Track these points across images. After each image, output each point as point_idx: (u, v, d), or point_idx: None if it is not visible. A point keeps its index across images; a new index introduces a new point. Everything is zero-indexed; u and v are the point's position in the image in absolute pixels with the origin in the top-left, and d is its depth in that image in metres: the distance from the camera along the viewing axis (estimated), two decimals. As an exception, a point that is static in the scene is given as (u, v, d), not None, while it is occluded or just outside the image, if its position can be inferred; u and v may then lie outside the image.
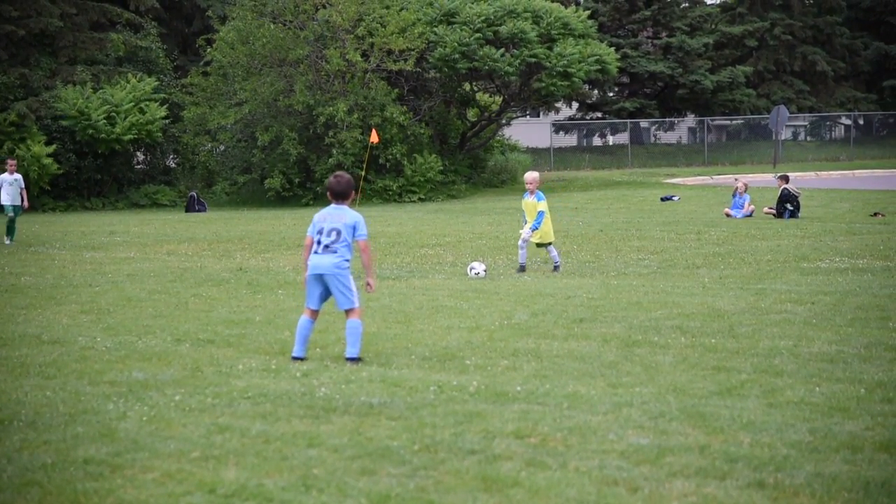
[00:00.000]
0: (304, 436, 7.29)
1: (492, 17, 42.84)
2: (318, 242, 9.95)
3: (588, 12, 46.89)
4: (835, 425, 7.34)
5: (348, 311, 9.94)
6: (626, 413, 7.78)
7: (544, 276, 17.14)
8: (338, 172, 10.35)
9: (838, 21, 66.43)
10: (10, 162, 25.82)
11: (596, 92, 63.32)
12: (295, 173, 41.20)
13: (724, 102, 62.98)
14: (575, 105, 64.64)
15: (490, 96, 47.80)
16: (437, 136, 45.01)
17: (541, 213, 17.38)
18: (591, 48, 43.90)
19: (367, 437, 7.25)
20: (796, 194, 27.65)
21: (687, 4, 66.08)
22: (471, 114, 48.09)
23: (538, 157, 56.54)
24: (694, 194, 37.84)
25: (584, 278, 16.60)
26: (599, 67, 44.06)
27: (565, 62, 42.89)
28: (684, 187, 42.65)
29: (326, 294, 10.06)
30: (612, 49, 46.43)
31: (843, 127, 69.34)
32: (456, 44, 41.99)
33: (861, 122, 67.82)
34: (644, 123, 65.27)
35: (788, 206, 27.35)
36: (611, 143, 65.29)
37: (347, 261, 9.98)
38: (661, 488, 6.15)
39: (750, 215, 27.83)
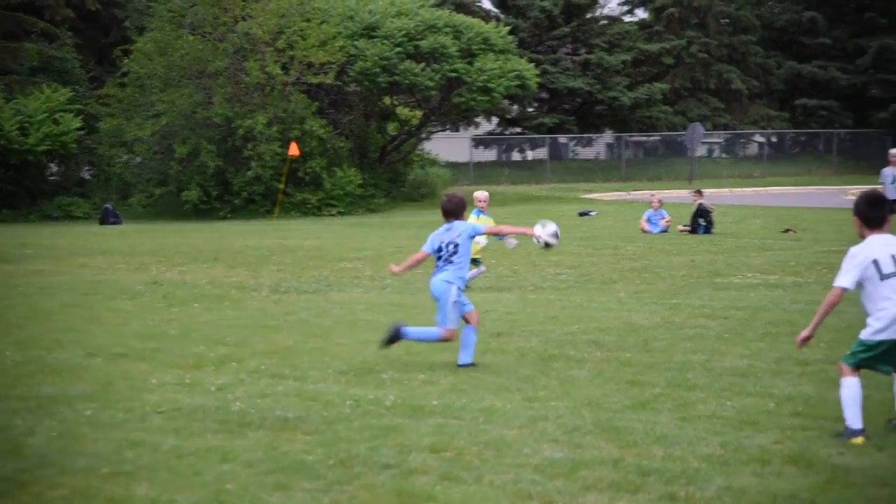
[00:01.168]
0: (218, 451, 7.22)
1: (413, 32, 42.94)
2: (440, 259, 10.67)
3: (508, 28, 47.21)
4: (745, 439, 7.44)
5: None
6: (542, 427, 7.82)
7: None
8: (449, 191, 10.94)
9: (752, 40, 67.61)
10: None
11: (515, 107, 63.73)
12: (213, 186, 40.86)
13: (642, 119, 63.75)
14: (495, 120, 64.99)
15: (410, 110, 47.88)
16: (356, 150, 44.96)
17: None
18: (511, 64, 44.19)
19: (281, 452, 7.20)
20: (709, 210, 28.05)
21: (606, 22, 66.82)
22: (391, 128, 48.12)
23: (458, 171, 56.72)
24: (611, 210, 38.22)
25: (501, 292, 16.67)
26: (519, 83, 44.38)
27: (485, 77, 43.12)
28: (602, 202, 43.05)
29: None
30: (532, 65, 46.79)
31: (756, 144, 70.50)
32: (376, 58, 42.01)
33: (774, 139, 69.05)
34: (563, 139, 65.82)
35: (702, 220, 27.72)
36: (530, 158, 65.72)
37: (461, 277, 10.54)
38: (574, 502, 6.18)
39: (665, 231, 28.17)
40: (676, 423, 7.89)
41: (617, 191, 52.14)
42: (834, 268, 18.76)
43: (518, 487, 6.42)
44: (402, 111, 47.73)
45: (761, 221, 31.49)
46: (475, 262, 17.87)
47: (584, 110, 64.18)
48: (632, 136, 64.96)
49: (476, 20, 46.17)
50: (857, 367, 7.55)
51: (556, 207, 39.82)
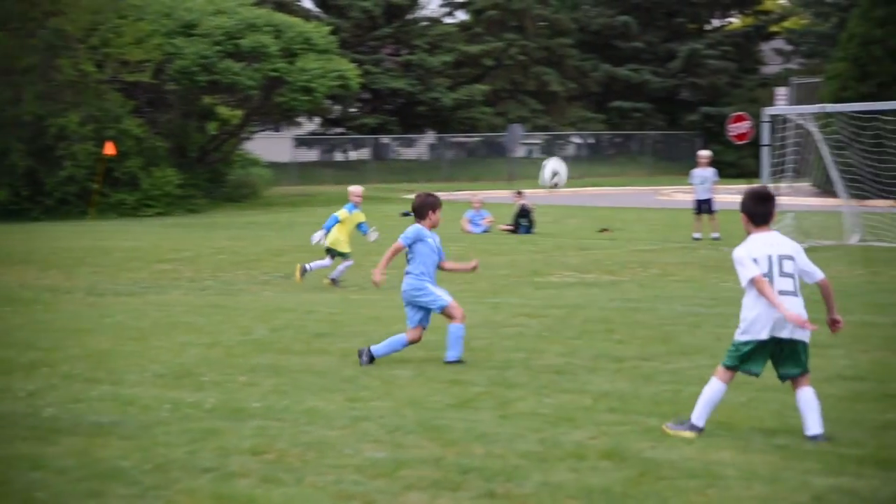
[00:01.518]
0: (28, 458, 6.98)
1: (232, 31, 42.38)
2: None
3: (330, 28, 47.04)
4: (562, 435, 7.58)
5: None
6: (364, 427, 7.82)
7: (284, 292, 17.05)
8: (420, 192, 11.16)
9: (569, 43, 69.01)
10: None
11: (338, 107, 63.58)
12: (23, 186, 39.50)
13: (463, 120, 64.42)
14: (317, 120, 64.70)
15: (231, 110, 47.26)
16: (175, 150, 44.11)
17: (334, 218, 17.80)
18: (333, 64, 44.05)
19: (95, 458, 7.01)
20: (530, 210, 28.52)
21: (427, 23, 67.27)
22: (211, 127, 47.40)
23: (280, 171, 56.26)
24: (433, 210, 38.39)
25: (324, 293, 16.61)
26: (341, 83, 44.27)
27: (307, 77, 42.88)
28: (424, 203, 43.15)
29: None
30: (354, 65, 46.73)
31: (574, 145, 72.04)
32: (195, 56, 41.31)
33: (591, 141, 70.65)
34: (385, 139, 65.97)
35: (524, 220, 28.17)
36: (353, 159, 65.68)
37: (419, 274, 10.70)
38: (395, 501, 6.20)
39: (487, 230, 28.51)
40: (497, 421, 7.99)
41: (439, 191, 52.37)
42: (648, 265, 19.28)
43: (339, 488, 6.40)
44: (223, 111, 47.06)
45: (579, 221, 32.19)
46: (343, 255, 17.88)
47: (406, 111, 64.48)
48: (453, 136, 65.58)
49: (297, 20, 45.85)
50: (731, 369, 7.58)
51: (379, 208, 39.86)
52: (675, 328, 12.03)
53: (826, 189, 31.22)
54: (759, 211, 7.52)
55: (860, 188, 27.18)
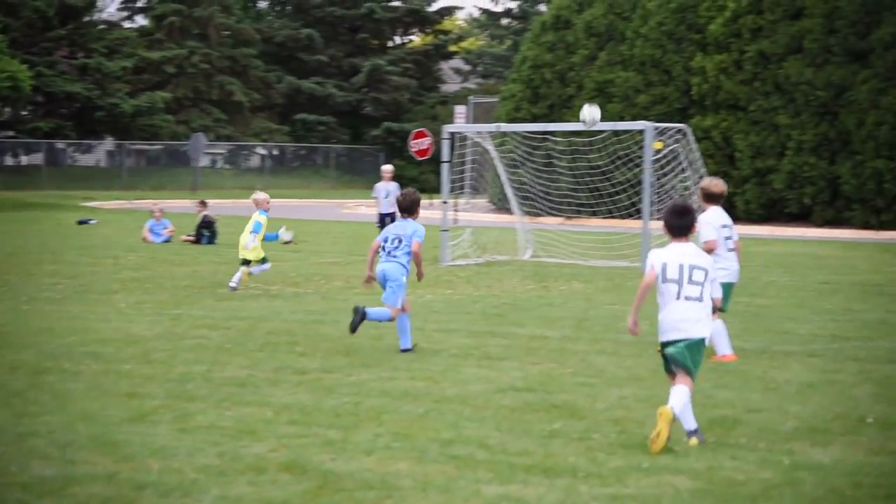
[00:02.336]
0: None
1: None
2: (384, 249, 11.79)
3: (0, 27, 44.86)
4: (242, 448, 7.52)
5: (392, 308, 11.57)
6: (32, 443, 7.48)
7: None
8: (406, 190, 12.23)
9: (253, 54, 68.64)
10: None
11: (8, 109, 60.62)
12: None
13: (144, 127, 62.82)
14: (-14, 122, 61.51)
15: None
16: None
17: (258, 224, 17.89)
18: (3, 64, 42.03)
19: None
20: (213, 220, 28.14)
21: (104, 27, 65.24)
22: None
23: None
24: (113, 218, 37.32)
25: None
26: (11, 84, 42.29)
27: (-25, 76, 40.73)
28: (102, 211, 41.93)
29: None
30: (25, 66, 44.74)
31: (259, 156, 71.69)
32: None
33: (276, 152, 70.51)
34: (60, 144, 63.45)
35: (206, 231, 27.76)
36: (24, 164, 62.75)
37: (406, 264, 11.74)
38: (66, 521, 5.96)
39: (169, 240, 27.92)
40: (175, 435, 7.83)
41: (118, 199, 51.02)
42: (332, 278, 19.40)
43: (5, 510, 6.10)
44: None
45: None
46: (260, 261, 17.80)
47: (83, 116, 62.21)
48: (134, 144, 63.85)
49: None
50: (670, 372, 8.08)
51: (53, 215, 38.30)
52: (358, 341, 12.17)
53: (501, 206, 32.48)
54: (677, 223, 8.12)
55: (532, 205, 28.41)
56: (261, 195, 18.59)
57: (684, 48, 40.64)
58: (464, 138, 25.30)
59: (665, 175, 23.71)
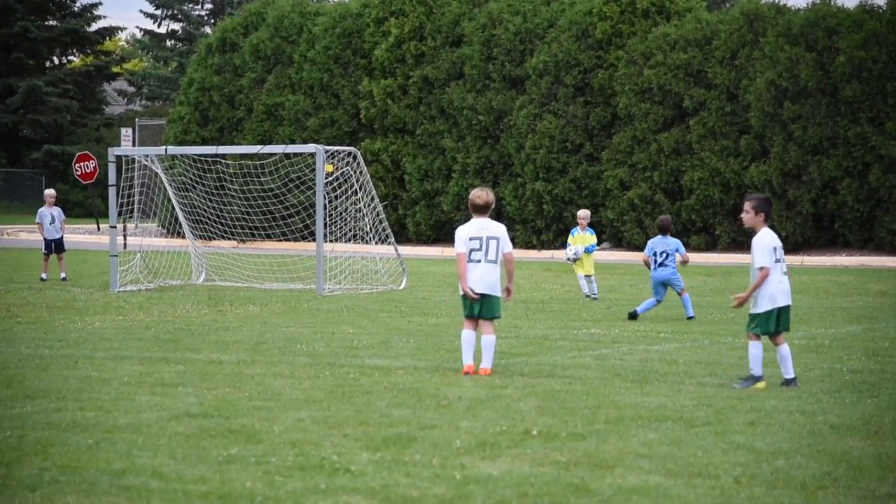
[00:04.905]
0: None
1: None
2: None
3: None
4: None
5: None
6: None
7: None
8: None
9: None
10: None
11: None
12: None
13: None
14: None
15: None
16: None
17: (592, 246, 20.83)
18: None
19: None
20: None
21: None
22: None
23: None
24: None
25: None
26: None
27: None
28: None
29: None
30: None
31: None
32: None
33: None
34: None
35: None
36: None
37: None
38: None
39: None
40: None
41: None
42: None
43: None
44: None
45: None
46: None
47: None
48: None
49: None
50: None
51: None
52: (21, 371, 11.61)
53: (173, 229, 31.86)
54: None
55: (205, 229, 28.05)
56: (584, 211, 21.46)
57: (351, 72, 41.28)
58: (131, 161, 24.69)
59: (337, 197, 23.99)
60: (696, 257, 33.63)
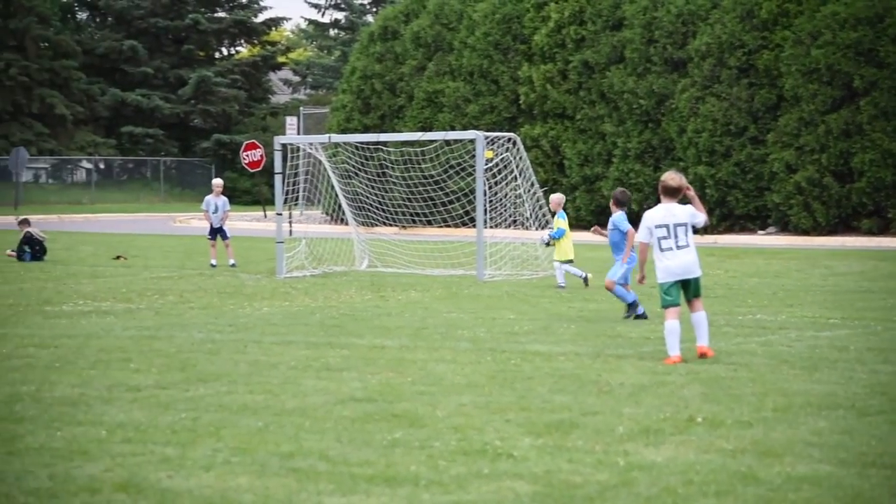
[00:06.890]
0: None
1: None
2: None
3: None
4: (74, 469, 7.31)
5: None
6: None
7: None
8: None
9: (74, 66, 66.74)
10: None
11: None
12: None
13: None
14: None
15: None
16: None
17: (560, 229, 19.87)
18: None
19: None
20: (41, 238, 27.32)
21: None
22: None
23: None
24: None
25: None
26: None
27: None
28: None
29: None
30: None
31: (84, 170, 69.93)
32: None
33: (102, 166, 68.88)
34: None
35: (27, 248, 26.92)
36: None
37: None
38: None
39: (-10, 259, 26.99)
40: (2, 458, 7.57)
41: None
42: (165, 293, 19.06)
43: None
44: None
45: (92, 248, 31.25)
46: None
47: None
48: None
49: None
50: None
51: None
52: (193, 355, 11.97)
53: (336, 216, 32.40)
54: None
55: (367, 215, 28.43)
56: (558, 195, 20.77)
57: (511, 58, 41.28)
58: (296, 149, 25.15)
59: (497, 183, 24.02)
60: (866, 242, 32.70)
